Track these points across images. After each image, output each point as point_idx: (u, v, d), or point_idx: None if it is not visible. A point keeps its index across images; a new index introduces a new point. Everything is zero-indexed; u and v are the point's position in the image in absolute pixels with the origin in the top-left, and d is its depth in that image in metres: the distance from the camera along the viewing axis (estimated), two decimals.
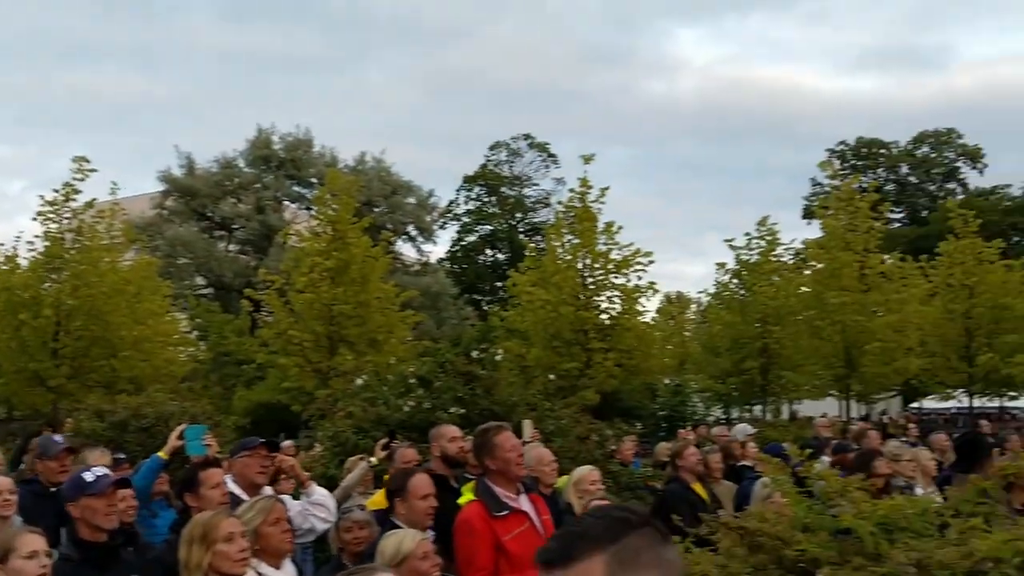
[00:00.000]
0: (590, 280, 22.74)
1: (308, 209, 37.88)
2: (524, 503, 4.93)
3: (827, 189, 25.89)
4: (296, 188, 46.13)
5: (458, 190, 62.62)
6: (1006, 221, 46.62)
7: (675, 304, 46.24)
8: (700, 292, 39.22)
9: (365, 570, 2.79)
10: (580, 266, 22.83)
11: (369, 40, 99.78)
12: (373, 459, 7.07)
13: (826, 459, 10.08)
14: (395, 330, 23.79)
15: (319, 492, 5.58)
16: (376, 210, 42.60)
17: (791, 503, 5.12)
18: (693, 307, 42.93)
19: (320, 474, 8.37)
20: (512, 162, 64.00)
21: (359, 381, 11.76)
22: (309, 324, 22.47)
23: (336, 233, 23.31)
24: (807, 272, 24.74)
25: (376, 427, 8.88)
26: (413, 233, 48.61)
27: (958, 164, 62.34)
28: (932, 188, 61.41)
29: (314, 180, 42.34)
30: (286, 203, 45.95)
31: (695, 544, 5.33)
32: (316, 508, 5.49)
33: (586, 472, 6.55)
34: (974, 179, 61.64)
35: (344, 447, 8.88)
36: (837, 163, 49.22)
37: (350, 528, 5.36)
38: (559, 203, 28.98)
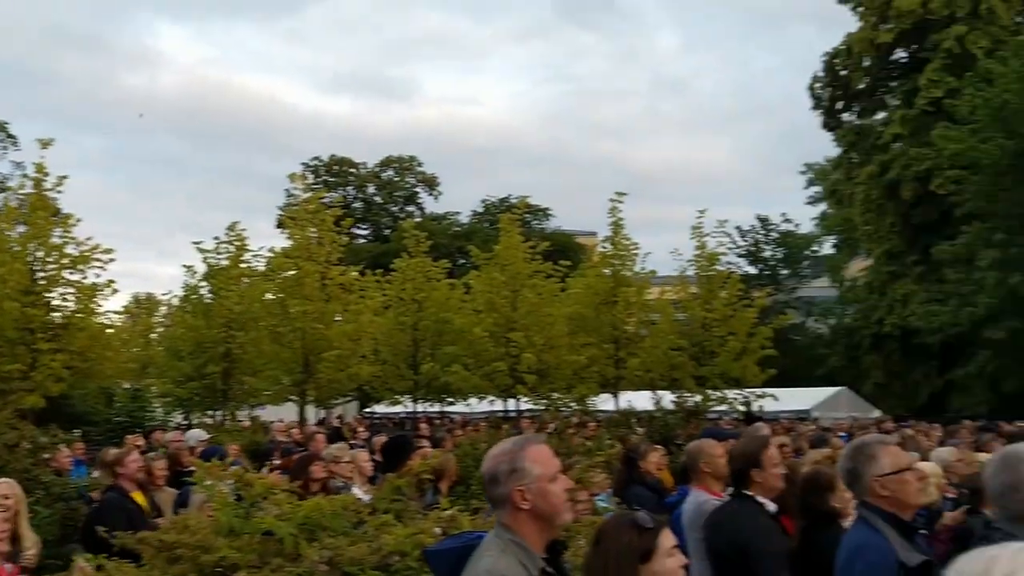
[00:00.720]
0: (41, 275, 20.91)
1: None
2: None
3: (298, 201, 26.68)
4: None
5: None
6: (454, 244, 51.21)
7: (143, 305, 44.20)
8: (165, 294, 38.09)
9: None
10: (30, 259, 20.89)
11: None
12: None
13: (277, 462, 10.51)
14: None
15: None
16: None
17: (218, 508, 5.27)
18: (163, 309, 41.38)
19: None
20: None
21: None
22: None
23: None
24: (275, 280, 25.20)
25: None
26: None
27: (417, 189, 68.09)
28: (395, 209, 66.18)
29: None
30: None
31: (122, 556, 5.28)
32: None
33: None
34: (430, 204, 67.72)
35: None
36: (311, 177, 50.81)
37: None
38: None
